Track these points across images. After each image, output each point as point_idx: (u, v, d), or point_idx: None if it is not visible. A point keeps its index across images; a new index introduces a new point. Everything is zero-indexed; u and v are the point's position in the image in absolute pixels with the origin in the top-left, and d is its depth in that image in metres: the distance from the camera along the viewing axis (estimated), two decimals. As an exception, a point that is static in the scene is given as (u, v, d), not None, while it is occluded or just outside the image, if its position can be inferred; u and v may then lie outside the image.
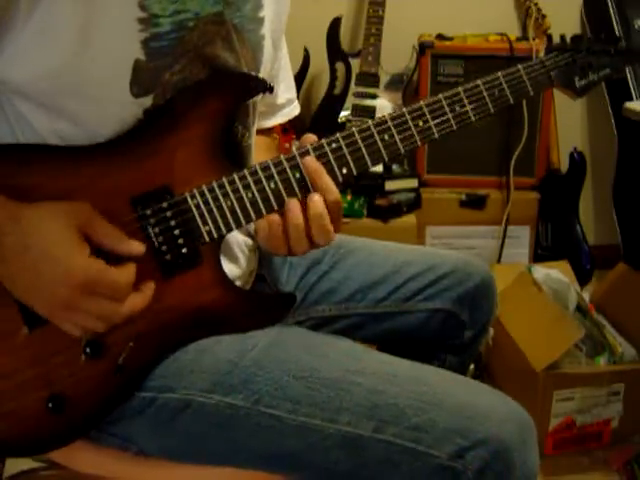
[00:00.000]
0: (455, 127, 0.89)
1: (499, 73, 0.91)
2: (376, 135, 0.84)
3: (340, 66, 2.23)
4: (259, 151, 0.98)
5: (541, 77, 0.94)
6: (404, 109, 0.86)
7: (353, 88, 2.21)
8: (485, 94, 0.90)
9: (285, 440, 0.79)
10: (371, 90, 2.20)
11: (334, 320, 1.06)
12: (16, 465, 1.22)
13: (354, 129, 0.84)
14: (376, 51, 2.18)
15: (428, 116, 0.86)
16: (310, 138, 0.84)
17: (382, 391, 0.79)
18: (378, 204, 2.10)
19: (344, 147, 0.83)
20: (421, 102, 0.87)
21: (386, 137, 0.85)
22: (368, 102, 2.18)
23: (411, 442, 0.76)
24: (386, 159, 0.85)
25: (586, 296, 1.87)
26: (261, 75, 0.91)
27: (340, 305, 1.05)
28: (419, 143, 0.86)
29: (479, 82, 0.90)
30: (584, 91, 0.98)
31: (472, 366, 1.92)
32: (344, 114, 2.19)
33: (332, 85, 2.23)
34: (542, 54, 0.96)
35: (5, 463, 1.21)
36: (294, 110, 1.10)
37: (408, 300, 1.05)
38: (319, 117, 2.24)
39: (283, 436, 0.79)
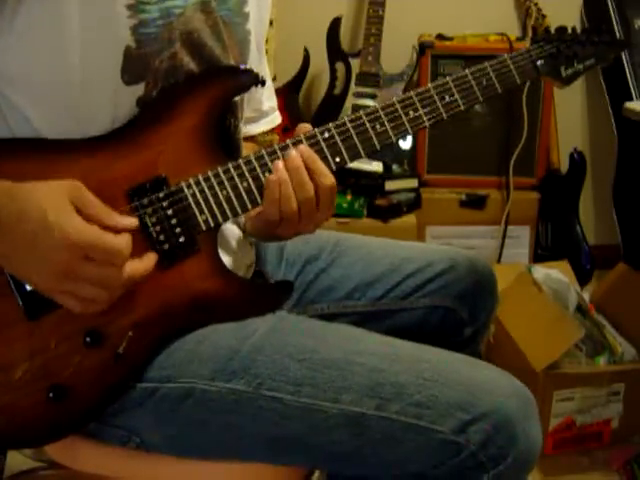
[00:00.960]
0: (445, 116, 0.91)
1: (486, 63, 0.93)
2: (367, 124, 0.86)
3: (340, 66, 2.23)
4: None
5: (527, 66, 0.96)
6: (394, 99, 0.88)
7: (353, 88, 2.21)
8: (473, 83, 0.92)
9: (288, 422, 0.79)
10: (371, 90, 2.20)
11: (332, 318, 1.05)
12: (17, 465, 1.22)
13: (346, 118, 0.86)
14: (376, 51, 2.18)
15: (418, 105, 0.88)
16: (304, 127, 0.86)
17: (383, 369, 0.79)
18: (378, 204, 2.10)
19: (336, 136, 0.85)
20: (411, 92, 0.89)
21: (377, 126, 0.86)
22: (368, 102, 2.18)
23: (413, 418, 0.77)
24: (378, 148, 0.87)
25: (586, 296, 1.87)
26: None
27: (338, 303, 1.05)
28: (410, 131, 0.89)
29: (467, 72, 0.92)
30: (570, 80, 1.01)
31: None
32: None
33: (332, 85, 2.24)
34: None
35: (7, 457, 1.21)
36: (276, 119, 1.11)
37: (407, 297, 1.05)
38: (319, 117, 2.24)
39: (286, 418, 0.79)
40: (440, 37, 2.22)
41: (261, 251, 1.05)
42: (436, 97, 0.89)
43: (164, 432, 0.84)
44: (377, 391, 0.78)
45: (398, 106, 0.88)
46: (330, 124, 0.85)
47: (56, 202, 0.70)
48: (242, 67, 0.90)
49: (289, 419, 0.79)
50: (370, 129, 0.86)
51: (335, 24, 2.24)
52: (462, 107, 0.91)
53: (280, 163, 0.83)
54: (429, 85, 0.90)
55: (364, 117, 0.86)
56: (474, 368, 0.83)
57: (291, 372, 0.79)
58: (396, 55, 2.24)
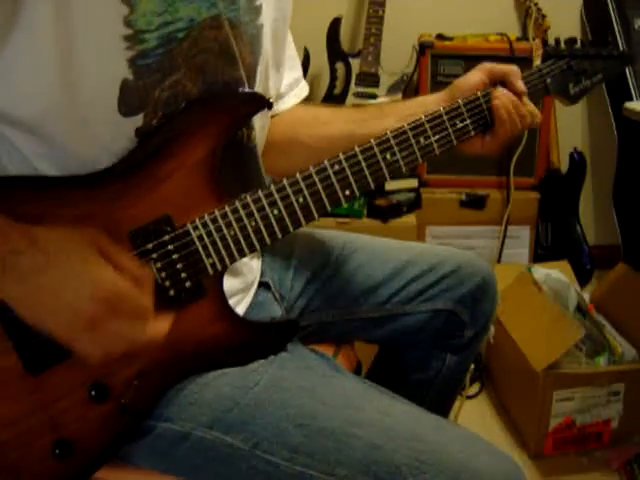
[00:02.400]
0: (455, 142, 0.90)
1: (498, 85, 0.93)
2: (378, 155, 0.84)
3: (340, 66, 2.23)
4: (301, 128, 0.99)
5: (539, 86, 0.95)
6: (405, 126, 0.87)
7: (353, 88, 2.21)
8: (484, 107, 0.92)
9: None
10: (371, 90, 2.20)
11: (336, 325, 1.06)
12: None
13: (357, 149, 0.83)
14: (376, 51, 2.18)
15: (429, 132, 0.88)
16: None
17: (380, 446, 0.77)
18: (378, 204, 2.09)
19: (347, 169, 0.83)
20: (422, 118, 0.88)
21: (388, 156, 0.85)
22: (368, 102, 2.18)
23: None
24: (387, 178, 0.86)
25: (586, 296, 1.87)
26: (260, 66, 0.88)
27: (342, 310, 1.05)
28: (420, 160, 0.87)
29: (479, 94, 0.92)
30: (577, 98, 0.99)
31: (472, 366, 1.92)
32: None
33: (332, 85, 2.23)
34: (539, 59, 0.97)
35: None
36: (303, 90, 1.07)
37: (410, 302, 1.05)
38: (319, 117, 2.24)
39: None
40: (440, 37, 2.22)
41: (268, 259, 1.03)
42: (447, 123, 0.89)
43: (154, 467, 0.83)
44: (372, 469, 0.76)
45: (410, 134, 0.86)
46: (341, 155, 0.83)
47: (86, 251, 0.67)
48: (246, 93, 0.84)
49: None
50: (381, 160, 0.84)
51: (335, 24, 2.24)
52: (472, 133, 0.92)
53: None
54: (441, 109, 0.89)
55: (375, 147, 0.84)
56: (471, 452, 0.79)
57: (288, 437, 0.78)
58: (396, 55, 2.24)
